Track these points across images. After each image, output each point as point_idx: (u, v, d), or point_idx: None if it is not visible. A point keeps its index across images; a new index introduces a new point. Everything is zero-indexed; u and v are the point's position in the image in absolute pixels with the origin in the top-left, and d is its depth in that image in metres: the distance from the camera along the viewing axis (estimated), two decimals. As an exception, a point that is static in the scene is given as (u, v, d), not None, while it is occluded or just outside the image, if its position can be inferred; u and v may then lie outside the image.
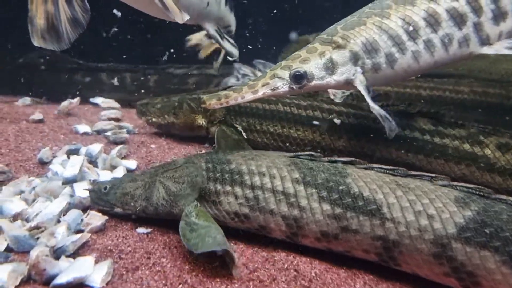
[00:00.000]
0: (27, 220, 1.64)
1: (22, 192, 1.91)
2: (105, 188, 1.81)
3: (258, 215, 1.61)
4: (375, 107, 1.87)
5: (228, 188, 1.65)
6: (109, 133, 2.77)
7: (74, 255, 1.50)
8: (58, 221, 1.65)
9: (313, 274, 1.56)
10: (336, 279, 1.54)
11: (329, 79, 1.88)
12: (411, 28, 1.92)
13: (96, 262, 1.46)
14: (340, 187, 1.53)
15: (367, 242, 1.49)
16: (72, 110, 3.59)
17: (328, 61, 1.85)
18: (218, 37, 2.88)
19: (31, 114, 3.29)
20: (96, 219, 1.68)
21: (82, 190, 1.82)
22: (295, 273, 1.55)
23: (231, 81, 3.66)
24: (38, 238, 1.55)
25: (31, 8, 1.94)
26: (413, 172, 1.58)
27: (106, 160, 2.30)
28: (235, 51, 2.99)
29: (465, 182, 2.22)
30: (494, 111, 2.94)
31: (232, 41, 3.02)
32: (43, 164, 2.36)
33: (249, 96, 1.75)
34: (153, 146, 2.80)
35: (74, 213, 1.68)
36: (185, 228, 1.54)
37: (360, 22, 1.97)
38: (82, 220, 1.66)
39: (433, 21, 1.93)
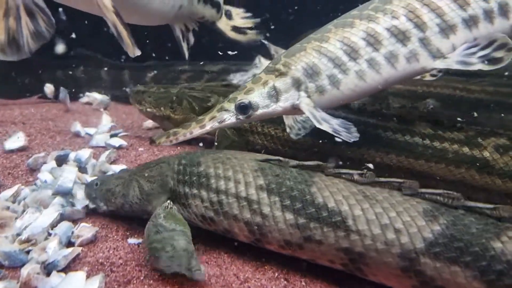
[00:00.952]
0: (18, 234, 1.64)
1: (13, 201, 1.91)
2: (96, 184, 1.86)
3: (222, 219, 1.63)
4: (322, 126, 1.91)
5: (195, 191, 1.67)
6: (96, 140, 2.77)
7: (66, 269, 1.51)
8: (49, 234, 1.65)
9: (303, 283, 1.59)
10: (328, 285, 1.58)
11: (274, 107, 1.95)
12: (350, 49, 1.97)
13: (88, 276, 1.47)
14: (305, 197, 1.53)
15: (332, 253, 1.50)
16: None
17: (272, 89, 1.91)
18: (181, 38, 3.02)
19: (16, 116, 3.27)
20: (86, 230, 1.69)
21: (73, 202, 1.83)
22: (285, 282, 1.58)
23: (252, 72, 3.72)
24: (28, 252, 1.55)
25: None
26: (381, 179, 1.57)
27: (96, 166, 2.30)
28: (186, 54, 3.10)
29: (465, 185, 2.30)
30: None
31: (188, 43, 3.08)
32: (33, 171, 2.35)
33: (197, 131, 1.81)
34: (141, 149, 2.79)
35: (65, 225, 1.68)
36: (151, 229, 1.56)
37: (300, 48, 2.04)
38: (72, 232, 1.67)
39: (373, 41, 1.97)
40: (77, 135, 2.99)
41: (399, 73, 2.07)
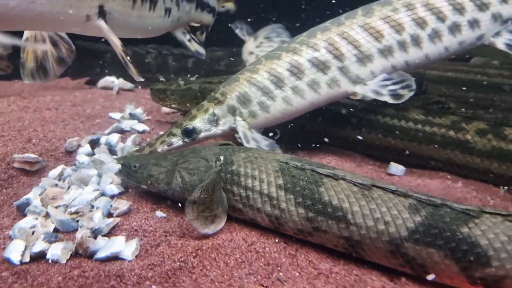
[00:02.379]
0: (67, 206, 2.03)
1: (59, 179, 2.31)
2: (135, 167, 2.19)
3: (248, 210, 1.98)
4: (249, 145, 2.32)
5: (228, 186, 2.01)
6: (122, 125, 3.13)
7: (109, 234, 1.90)
8: (92, 206, 2.04)
9: (299, 245, 1.95)
10: (318, 250, 1.94)
11: (215, 130, 2.38)
12: (276, 79, 2.35)
13: (126, 240, 1.85)
14: (314, 195, 1.85)
15: (335, 240, 1.84)
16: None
17: (212, 116, 2.34)
18: (185, 41, 3.39)
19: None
20: (122, 204, 2.07)
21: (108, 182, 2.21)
22: (284, 245, 1.95)
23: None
24: (78, 221, 1.94)
25: (23, 55, 2.43)
26: (378, 184, 1.83)
27: (124, 150, 2.67)
28: (201, 50, 3.44)
29: (450, 164, 2.65)
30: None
31: (198, 40, 3.42)
32: (70, 153, 2.74)
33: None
34: (161, 133, 3.15)
35: (105, 199, 2.07)
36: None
37: (235, 79, 2.43)
38: (111, 205, 2.05)
39: (296, 71, 2.34)
40: (104, 120, 3.37)
41: (323, 97, 2.44)
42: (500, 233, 1.61)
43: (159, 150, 2.28)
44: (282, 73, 2.37)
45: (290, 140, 2.87)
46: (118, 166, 2.33)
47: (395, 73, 2.40)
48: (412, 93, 2.36)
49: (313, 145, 2.94)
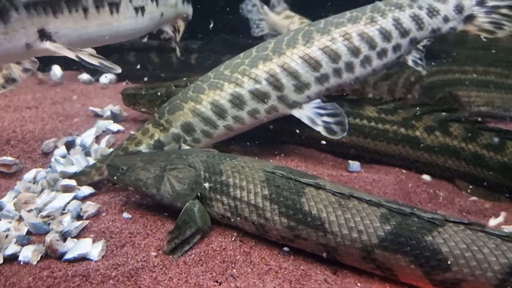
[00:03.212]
0: (40, 210, 2.19)
1: (34, 183, 2.46)
2: (122, 169, 2.27)
3: (236, 219, 2.12)
4: None
5: (218, 196, 2.14)
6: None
7: (77, 237, 2.06)
8: (63, 209, 2.20)
9: (254, 243, 2.13)
10: (272, 247, 2.11)
11: None
12: (219, 109, 2.53)
13: (93, 241, 2.02)
14: (295, 205, 1.99)
15: (314, 246, 2.00)
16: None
17: (157, 142, 2.50)
18: (174, 36, 3.47)
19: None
20: (91, 207, 2.23)
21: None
22: (240, 243, 2.12)
23: None
24: (49, 224, 2.11)
25: None
26: (356, 194, 1.96)
27: (97, 151, 2.82)
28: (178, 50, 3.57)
29: (402, 159, 2.84)
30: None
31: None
32: (46, 154, 2.89)
33: (96, 177, 2.45)
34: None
35: (75, 203, 2.23)
36: (186, 211, 2.11)
37: (180, 107, 2.57)
38: (81, 208, 2.21)
39: (238, 102, 2.51)
40: (83, 119, 3.50)
41: (262, 120, 2.67)
42: (459, 241, 1.77)
43: (105, 173, 2.42)
44: (224, 104, 2.54)
45: (256, 139, 3.04)
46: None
47: (329, 103, 2.64)
48: (344, 134, 2.59)
49: (278, 143, 3.11)
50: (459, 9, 2.73)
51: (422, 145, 2.76)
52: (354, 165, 2.85)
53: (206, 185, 2.16)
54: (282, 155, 2.97)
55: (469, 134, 2.70)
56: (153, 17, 2.92)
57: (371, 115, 2.87)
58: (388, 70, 3.80)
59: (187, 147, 2.53)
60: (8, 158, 2.65)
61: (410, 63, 2.80)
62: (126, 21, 2.68)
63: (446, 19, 2.73)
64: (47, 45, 2.10)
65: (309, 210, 1.96)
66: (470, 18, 2.74)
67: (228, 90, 2.54)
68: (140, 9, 2.78)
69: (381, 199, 1.94)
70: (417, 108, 2.85)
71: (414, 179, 2.81)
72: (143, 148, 2.49)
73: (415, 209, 1.88)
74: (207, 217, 2.15)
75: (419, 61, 2.81)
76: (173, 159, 2.26)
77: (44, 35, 2.10)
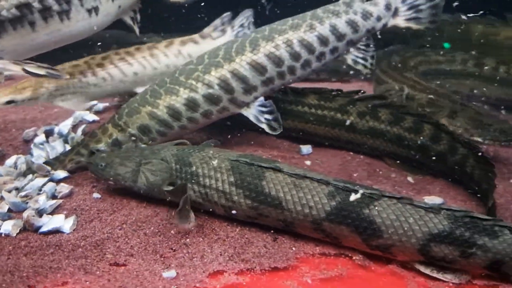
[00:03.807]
0: (17, 189, 2.51)
1: (15, 167, 2.77)
2: (101, 165, 2.55)
3: (207, 204, 2.43)
4: None
5: (189, 185, 2.42)
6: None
7: (52, 213, 2.38)
8: (39, 190, 2.51)
9: (207, 217, 2.45)
10: (222, 220, 2.44)
11: None
12: (174, 112, 2.82)
13: (66, 217, 2.34)
14: (258, 188, 2.30)
15: (275, 222, 2.33)
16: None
17: (115, 140, 2.76)
18: (135, 27, 3.59)
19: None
20: (65, 188, 2.55)
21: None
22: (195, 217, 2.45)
23: None
24: (27, 203, 2.42)
25: None
26: (309, 175, 2.26)
27: (74, 139, 3.12)
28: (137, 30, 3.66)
29: (339, 141, 3.21)
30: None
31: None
32: (27, 142, 3.19)
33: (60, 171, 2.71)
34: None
35: (51, 185, 2.54)
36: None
37: (137, 111, 2.84)
38: (55, 189, 2.53)
39: (192, 105, 2.82)
40: (62, 109, 3.78)
41: (214, 120, 2.99)
42: (391, 213, 2.11)
43: (68, 167, 2.70)
44: (180, 108, 2.83)
45: (219, 128, 3.37)
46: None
47: (267, 101, 2.98)
48: (281, 129, 2.95)
49: (242, 132, 3.43)
50: (388, 6, 3.08)
51: (355, 128, 3.14)
52: (305, 148, 3.19)
53: (178, 174, 2.44)
54: (245, 142, 3.30)
55: (394, 119, 3.08)
56: (109, 13, 2.99)
57: (312, 102, 3.22)
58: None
59: (144, 146, 2.81)
60: (-9, 146, 2.94)
61: (349, 62, 3.14)
62: (78, 24, 2.74)
63: (379, 18, 3.08)
64: None
65: (269, 191, 2.28)
66: (396, 13, 3.11)
67: (184, 95, 2.82)
68: (94, 10, 2.82)
69: (330, 179, 2.25)
70: (353, 95, 3.19)
71: (358, 160, 3.15)
72: (101, 146, 2.76)
73: (357, 186, 2.20)
74: None
75: (359, 60, 3.13)
76: (147, 154, 2.55)
77: None
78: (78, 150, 2.76)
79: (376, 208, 2.13)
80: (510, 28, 4.56)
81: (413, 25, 3.09)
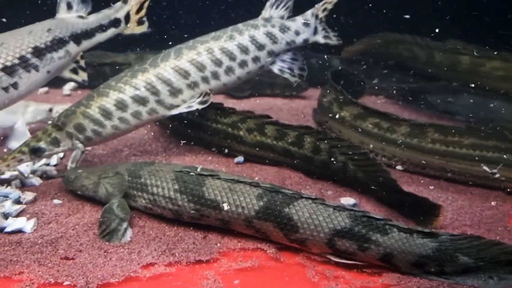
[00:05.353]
0: (-12, 198, 2.96)
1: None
2: (71, 178, 3.02)
3: (156, 208, 2.84)
4: (72, 165, 3.20)
5: (139, 193, 2.86)
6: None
7: (16, 216, 2.82)
8: (6, 197, 2.95)
9: (147, 219, 2.89)
10: (161, 221, 2.86)
11: (56, 150, 3.18)
12: (105, 112, 3.21)
13: (28, 219, 2.77)
14: (199, 193, 2.70)
15: (214, 221, 2.72)
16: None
17: (53, 139, 3.12)
18: (76, 78, 3.60)
19: None
20: (29, 195, 3.00)
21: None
22: (138, 219, 2.88)
23: None
24: (-4, 208, 2.87)
25: None
26: (241, 179, 2.68)
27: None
28: (86, 77, 3.67)
29: (232, 150, 3.66)
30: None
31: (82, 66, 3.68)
32: None
33: (4, 168, 2.99)
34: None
35: (16, 193, 2.99)
36: (106, 210, 2.77)
37: (73, 112, 3.22)
38: (20, 196, 2.97)
39: (121, 106, 3.23)
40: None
41: (145, 121, 3.38)
42: (306, 212, 2.52)
43: (11, 164, 3.00)
44: (110, 108, 3.24)
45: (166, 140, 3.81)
46: None
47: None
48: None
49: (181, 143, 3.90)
50: (306, 23, 3.61)
51: (245, 141, 3.57)
52: (239, 158, 3.62)
53: (130, 185, 2.88)
54: (184, 153, 3.78)
55: (279, 134, 3.49)
56: (37, 80, 3.07)
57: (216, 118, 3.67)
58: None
59: (80, 145, 3.23)
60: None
61: (276, 71, 3.64)
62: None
63: (297, 33, 3.59)
64: None
65: (209, 195, 2.69)
66: (315, 31, 3.67)
67: (113, 96, 3.24)
68: (12, 86, 2.88)
69: (260, 183, 2.66)
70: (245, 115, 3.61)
71: (277, 169, 3.56)
72: (42, 143, 3.11)
73: (281, 189, 2.61)
74: (127, 208, 2.84)
75: (286, 70, 3.63)
76: (107, 170, 3.01)
77: None
78: (20, 149, 3.06)
79: (295, 207, 2.54)
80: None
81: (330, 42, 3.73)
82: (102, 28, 3.38)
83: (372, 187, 3.11)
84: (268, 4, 3.64)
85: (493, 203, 3.24)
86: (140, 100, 3.26)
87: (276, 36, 3.51)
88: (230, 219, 2.67)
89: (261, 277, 2.46)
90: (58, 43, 3.02)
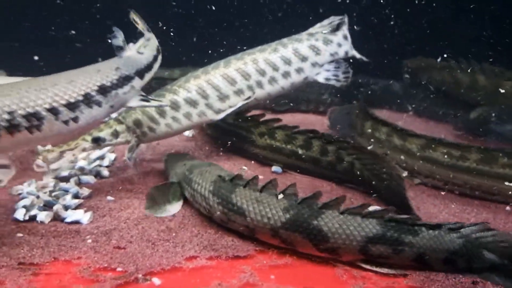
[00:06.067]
0: (52, 192, 3.30)
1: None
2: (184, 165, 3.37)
3: (194, 202, 3.16)
4: (128, 155, 3.50)
5: (187, 186, 3.21)
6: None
7: (74, 209, 3.14)
8: (66, 192, 3.29)
9: (192, 216, 3.15)
10: (204, 219, 3.13)
11: (115, 141, 3.44)
12: (160, 111, 3.53)
13: (85, 212, 3.09)
14: (228, 199, 2.92)
15: (240, 227, 2.92)
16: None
17: (114, 131, 3.41)
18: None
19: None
20: (86, 191, 3.33)
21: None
22: (182, 217, 3.15)
23: None
24: (57, 200, 3.20)
25: None
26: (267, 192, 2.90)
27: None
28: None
29: (247, 153, 4.03)
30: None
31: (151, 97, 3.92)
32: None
33: (68, 152, 3.24)
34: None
35: (75, 188, 3.32)
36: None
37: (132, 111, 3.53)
38: (78, 191, 3.30)
39: (175, 106, 3.54)
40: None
41: (194, 123, 3.68)
42: (335, 223, 2.67)
43: (75, 150, 3.27)
44: (165, 109, 3.57)
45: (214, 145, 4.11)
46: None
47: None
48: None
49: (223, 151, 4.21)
50: (346, 36, 3.93)
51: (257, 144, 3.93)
52: (276, 168, 3.86)
53: (184, 178, 3.28)
54: (226, 159, 4.09)
55: (288, 138, 3.83)
56: (95, 116, 3.04)
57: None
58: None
59: (135, 139, 3.54)
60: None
61: (321, 81, 3.88)
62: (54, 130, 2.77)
63: (339, 45, 3.87)
64: None
65: (236, 202, 2.90)
66: (352, 46, 4.00)
67: (168, 97, 3.58)
68: (72, 120, 2.83)
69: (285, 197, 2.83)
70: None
71: (309, 178, 3.83)
72: (103, 134, 3.39)
73: (305, 204, 2.75)
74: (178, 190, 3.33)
75: (331, 77, 3.88)
76: (186, 162, 3.46)
77: None
78: (83, 137, 3.36)
79: (323, 219, 2.68)
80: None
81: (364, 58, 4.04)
82: (155, 58, 3.65)
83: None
84: (318, 24, 3.98)
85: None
86: (192, 102, 3.57)
87: (320, 48, 3.79)
88: (255, 228, 2.83)
89: (294, 274, 2.66)
90: (124, 80, 3.15)
